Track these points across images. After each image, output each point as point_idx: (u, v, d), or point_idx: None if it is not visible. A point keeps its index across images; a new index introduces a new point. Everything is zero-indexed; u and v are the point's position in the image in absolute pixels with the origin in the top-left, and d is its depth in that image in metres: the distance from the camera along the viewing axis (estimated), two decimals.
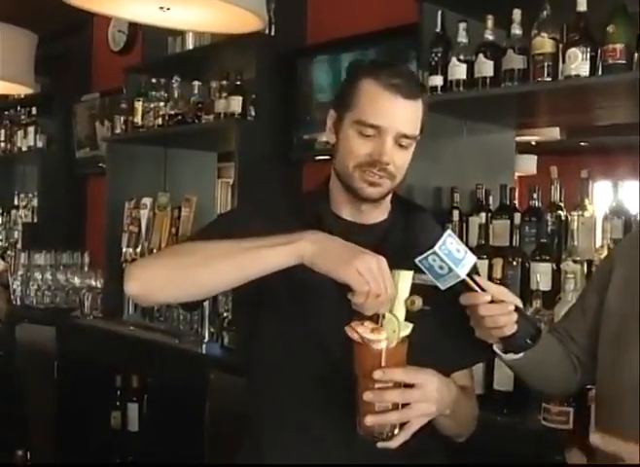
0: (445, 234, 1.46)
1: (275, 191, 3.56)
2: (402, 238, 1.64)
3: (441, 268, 1.44)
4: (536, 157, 6.01)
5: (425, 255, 1.44)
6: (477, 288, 1.50)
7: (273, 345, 1.67)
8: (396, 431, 1.42)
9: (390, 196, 1.72)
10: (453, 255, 1.45)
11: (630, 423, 1.52)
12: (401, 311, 1.43)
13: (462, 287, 1.49)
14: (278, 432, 1.65)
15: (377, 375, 1.38)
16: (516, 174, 5.62)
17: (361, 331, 1.37)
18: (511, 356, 1.62)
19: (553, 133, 5.08)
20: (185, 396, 3.31)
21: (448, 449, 1.71)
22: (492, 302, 1.50)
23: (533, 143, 5.74)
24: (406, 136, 1.60)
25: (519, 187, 2.93)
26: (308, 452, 1.60)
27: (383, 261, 1.43)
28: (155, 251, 3.98)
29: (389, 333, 1.38)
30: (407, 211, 1.75)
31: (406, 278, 1.41)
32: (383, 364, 1.38)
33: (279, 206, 1.78)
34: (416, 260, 1.45)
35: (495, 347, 1.64)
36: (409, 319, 1.44)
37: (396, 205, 1.76)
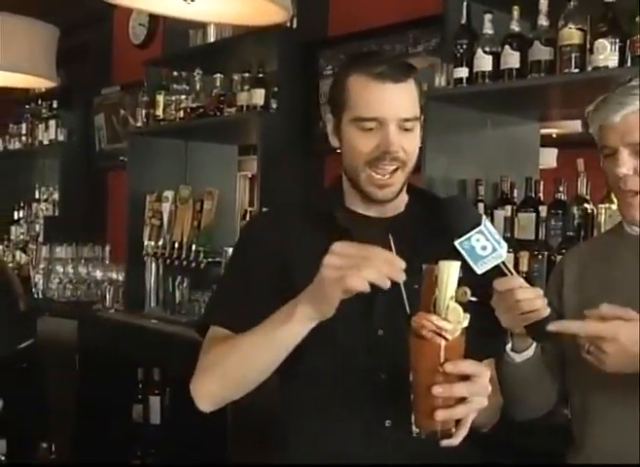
0: (484, 217, 1.45)
1: (297, 183, 3.55)
2: (422, 229, 1.61)
3: (484, 248, 1.42)
4: (556, 150, 5.96)
5: (468, 236, 1.41)
6: (510, 272, 1.48)
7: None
8: (453, 429, 1.37)
9: (405, 187, 1.70)
10: (494, 236, 1.43)
11: (601, 412, 1.62)
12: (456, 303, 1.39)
13: (492, 274, 1.46)
14: (310, 421, 1.64)
15: (449, 368, 1.32)
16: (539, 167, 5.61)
17: (435, 320, 1.31)
18: (524, 354, 1.63)
19: (575, 126, 5.04)
20: None
21: (480, 443, 1.70)
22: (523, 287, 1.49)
23: (554, 136, 5.70)
24: (407, 120, 1.58)
25: (551, 179, 2.90)
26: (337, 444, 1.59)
27: (347, 244, 1.37)
28: (176, 245, 3.99)
29: (454, 323, 1.33)
30: (424, 201, 1.72)
31: (455, 268, 1.35)
32: (449, 357, 1.33)
33: (293, 209, 1.77)
34: (456, 242, 1.41)
35: (507, 348, 1.64)
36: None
37: (413, 196, 1.73)
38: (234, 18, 2.72)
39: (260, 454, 1.87)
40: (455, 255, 1.43)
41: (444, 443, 1.37)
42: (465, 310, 1.34)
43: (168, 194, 4.10)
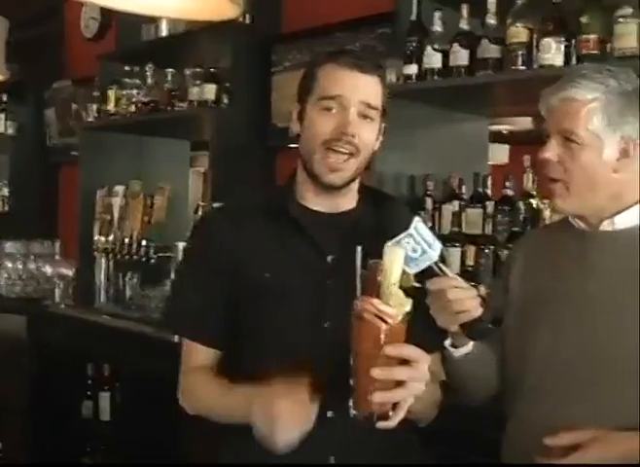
0: (416, 220, 1.47)
1: (249, 179, 3.56)
2: (372, 226, 1.63)
3: (414, 250, 1.45)
4: (508, 146, 6.05)
5: (399, 238, 1.44)
6: (443, 273, 1.52)
7: (254, 334, 1.69)
8: (390, 412, 1.40)
9: (357, 185, 1.73)
10: (425, 238, 1.46)
11: (532, 396, 1.67)
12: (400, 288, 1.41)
13: (427, 273, 1.50)
14: None
15: (389, 350, 1.35)
16: (489, 163, 5.68)
17: (377, 303, 1.34)
18: (462, 350, 1.67)
19: (526, 123, 5.11)
20: (157, 385, 3.30)
21: (419, 434, 1.72)
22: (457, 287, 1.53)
23: (505, 132, 5.78)
24: (369, 106, 1.62)
25: (498, 175, 2.95)
26: None
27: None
28: (127, 240, 3.97)
29: (397, 308, 1.36)
30: (376, 200, 1.75)
31: (399, 255, 1.38)
32: (390, 340, 1.35)
33: (246, 205, 1.79)
34: (388, 243, 1.44)
35: (446, 344, 1.67)
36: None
37: (365, 194, 1.76)
38: (186, 14, 2.70)
39: (211, 449, 1.87)
40: None
41: (381, 425, 1.40)
42: (408, 296, 1.37)
43: (119, 189, 4.09)
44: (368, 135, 1.64)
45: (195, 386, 1.72)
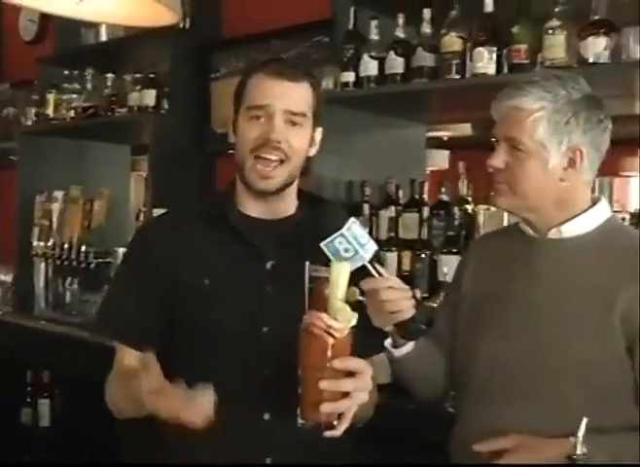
0: (351, 220, 1.50)
1: (189, 183, 3.57)
2: (311, 231, 1.64)
3: (346, 250, 1.48)
4: (448, 152, 6.14)
5: (331, 238, 1.48)
6: (378, 274, 1.54)
7: (191, 344, 1.71)
8: (335, 421, 1.43)
9: (296, 190, 1.76)
10: (358, 239, 1.49)
11: (478, 397, 1.71)
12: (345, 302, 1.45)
13: (363, 273, 1.53)
14: None
15: (337, 364, 1.38)
16: (430, 169, 5.76)
17: (325, 318, 1.37)
18: (402, 350, 1.72)
19: (465, 129, 5.19)
20: (97, 391, 3.28)
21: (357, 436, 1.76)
22: (391, 288, 1.55)
23: (445, 138, 5.86)
24: (294, 113, 1.64)
25: (432, 181, 3.01)
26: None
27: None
28: (66, 245, 3.95)
29: (344, 322, 1.39)
30: (314, 205, 1.77)
31: (345, 270, 1.41)
32: (337, 354, 1.39)
33: (188, 212, 1.81)
34: (322, 244, 1.48)
35: (387, 343, 1.72)
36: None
37: (304, 200, 1.79)
38: (124, 19, 2.71)
39: (149, 453, 1.88)
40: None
41: (328, 434, 1.43)
42: (354, 310, 1.41)
43: (58, 194, 4.07)
44: (297, 141, 1.66)
45: (119, 390, 1.74)
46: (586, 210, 1.69)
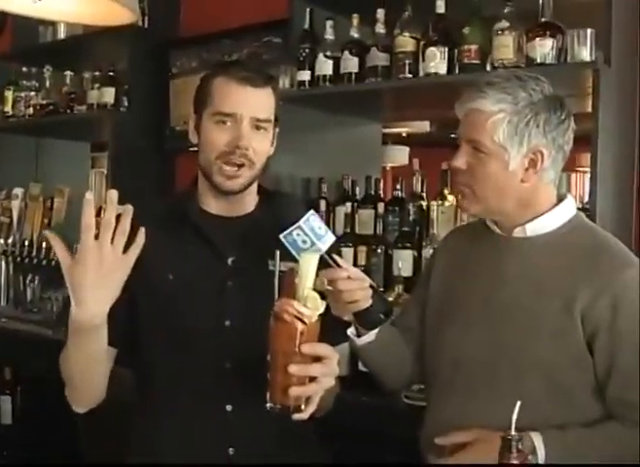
0: (309, 213, 1.56)
1: (149, 181, 3.60)
2: (270, 226, 1.69)
3: (304, 242, 1.54)
4: (408, 148, 6.21)
5: (290, 230, 1.54)
6: (336, 265, 1.60)
7: (156, 335, 1.75)
8: (302, 405, 1.49)
9: (256, 187, 1.82)
10: (316, 231, 1.55)
11: (444, 392, 1.75)
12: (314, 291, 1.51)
13: (325, 264, 1.58)
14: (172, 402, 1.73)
15: (305, 349, 1.44)
16: (389, 165, 5.83)
17: (297, 306, 1.43)
18: (364, 339, 1.78)
19: (423, 126, 5.27)
20: (59, 388, 3.30)
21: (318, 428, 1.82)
22: (349, 279, 1.61)
23: (404, 135, 5.94)
24: (259, 120, 1.71)
25: (392, 177, 3.06)
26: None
27: None
28: (26, 243, 3.96)
29: (313, 310, 1.45)
30: (273, 200, 1.82)
31: (314, 260, 1.47)
32: (306, 339, 1.44)
33: (150, 209, 1.84)
34: (281, 235, 1.54)
35: (349, 332, 1.78)
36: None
37: (263, 196, 1.85)
38: (81, 18, 2.72)
39: (111, 448, 1.93)
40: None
41: (296, 417, 1.49)
42: (322, 298, 1.47)
43: (18, 191, 4.07)
44: (261, 145, 1.73)
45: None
46: (550, 209, 1.71)
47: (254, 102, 1.71)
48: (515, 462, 1.03)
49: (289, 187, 2.96)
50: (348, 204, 2.84)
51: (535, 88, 1.64)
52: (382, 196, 2.98)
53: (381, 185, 3.00)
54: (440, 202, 2.72)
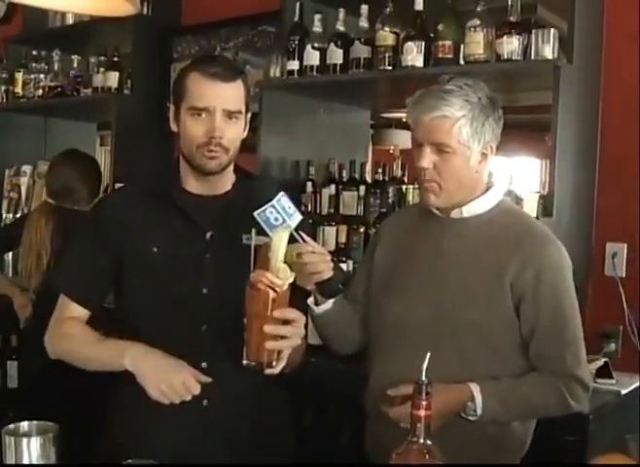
0: (280, 194, 1.75)
1: (150, 160, 3.79)
2: (245, 204, 1.88)
3: (276, 219, 1.72)
4: (410, 132, 6.37)
5: (263, 209, 1.72)
6: (302, 240, 1.81)
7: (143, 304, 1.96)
8: (274, 363, 1.71)
9: (232, 167, 2.00)
10: (286, 210, 1.74)
11: (387, 355, 1.97)
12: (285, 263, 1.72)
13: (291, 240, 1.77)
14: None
15: (277, 314, 1.66)
16: (392, 147, 5.99)
17: (270, 276, 1.64)
18: (322, 307, 2.00)
19: None
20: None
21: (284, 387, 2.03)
22: (313, 253, 1.83)
23: (404, 120, 6.08)
24: (231, 111, 1.89)
25: (389, 160, 3.23)
26: None
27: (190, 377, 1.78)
28: None
29: (283, 280, 1.66)
30: (249, 181, 2.04)
31: (285, 235, 1.68)
32: (277, 305, 1.66)
33: (139, 188, 2.05)
34: (255, 213, 1.73)
35: (309, 301, 2.00)
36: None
37: (239, 176, 2.04)
38: (86, 9, 2.89)
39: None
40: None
41: (268, 371, 1.71)
42: (291, 269, 1.69)
43: (27, 168, 4.25)
44: (234, 133, 1.91)
45: (67, 331, 1.96)
46: (483, 193, 1.95)
47: (224, 96, 1.87)
48: (424, 403, 1.22)
49: (279, 169, 3.15)
50: (333, 186, 3.02)
51: (479, 92, 1.88)
52: (369, 179, 3.17)
53: (368, 167, 3.20)
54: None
